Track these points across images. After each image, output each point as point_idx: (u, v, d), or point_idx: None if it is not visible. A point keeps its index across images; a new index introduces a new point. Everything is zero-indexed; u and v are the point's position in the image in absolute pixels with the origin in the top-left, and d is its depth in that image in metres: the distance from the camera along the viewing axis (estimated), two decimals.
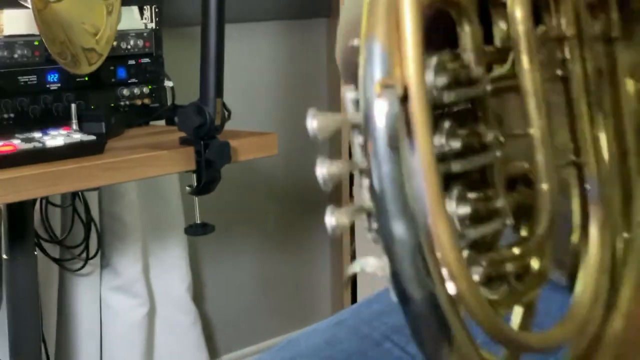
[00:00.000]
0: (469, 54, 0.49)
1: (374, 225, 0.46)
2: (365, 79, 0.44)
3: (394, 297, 0.46)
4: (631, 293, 0.53)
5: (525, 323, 0.51)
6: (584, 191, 0.53)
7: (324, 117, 0.46)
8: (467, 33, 0.49)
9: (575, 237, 0.54)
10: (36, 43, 1.45)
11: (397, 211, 0.44)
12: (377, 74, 0.44)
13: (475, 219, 0.48)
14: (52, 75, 1.48)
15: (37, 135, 1.34)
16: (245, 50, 2.18)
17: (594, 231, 0.53)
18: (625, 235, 0.54)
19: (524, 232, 0.52)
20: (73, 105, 1.45)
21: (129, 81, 1.60)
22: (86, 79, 1.52)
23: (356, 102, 0.46)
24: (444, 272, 0.44)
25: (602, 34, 0.54)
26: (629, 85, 0.55)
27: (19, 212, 1.51)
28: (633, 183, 0.55)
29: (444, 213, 0.44)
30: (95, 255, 1.87)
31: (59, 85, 1.48)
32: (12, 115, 1.42)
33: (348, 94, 0.47)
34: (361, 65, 0.44)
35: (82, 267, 1.87)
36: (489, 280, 0.49)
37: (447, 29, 0.50)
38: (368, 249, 0.95)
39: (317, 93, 2.38)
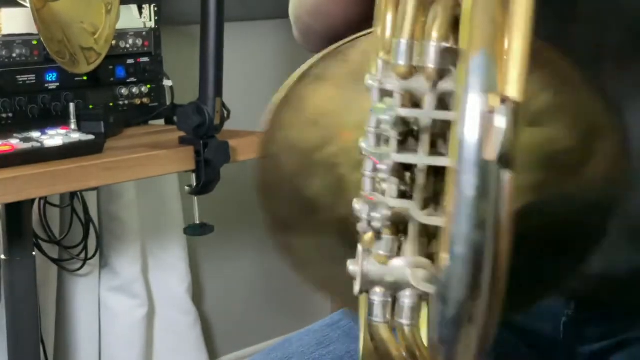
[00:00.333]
0: None
1: None
2: (470, 92, 0.40)
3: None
4: None
5: None
6: None
7: None
8: None
9: None
10: (35, 42, 1.45)
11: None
12: (488, 87, 0.40)
13: None
14: (51, 75, 1.47)
15: (35, 134, 1.33)
16: (245, 49, 2.18)
17: None
18: None
19: None
20: (72, 105, 1.44)
21: (128, 80, 1.60)
22: (85, 78, 1.51)
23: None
24: None
25: None
26: None
27: (17, 212, 1.51)
28: None
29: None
30: (94, 256, 1.87)
31: (57, 84, 1.48)
32: (10, 114, 1.42)
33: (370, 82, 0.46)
34: (466, 77, 0.41)
35: (81, 267, 1.87)
36: None
37: None
38: None
39: None
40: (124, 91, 1.59)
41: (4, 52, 1.42)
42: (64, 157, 1.31)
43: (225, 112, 1.45)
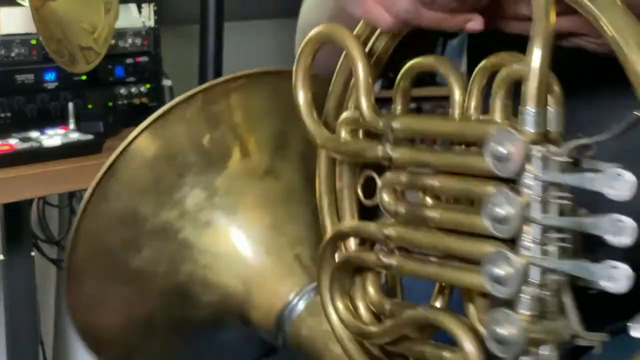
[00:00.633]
0: None
1: None
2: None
3: None
4: None
5: None
6: None
7: None
8: None
9: None
10: (33, 42, 1.44)
11: None
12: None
13: None
14: (50, 74, 1.47)
15: (34, 134, 1.33)
16: (244, 48, 2.17)
17: None
18: None
19: None
20: (70, 105, 1.44)
21: (127, 80, 1.59)
22: (84, 77, 1.51)
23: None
24: None
25: None
26: None
27: (16, 212, 1.51)
28: None
29: None
30: None
31: (56, 84, 1.47)
32: (9, 114, 1.41)
33: None
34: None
35: None
36: None
37: None
38: None
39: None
40: (123, 91, 1.58)
41: (2, 52, 1.41)
42: (62, 157, 1.31)
43: None
